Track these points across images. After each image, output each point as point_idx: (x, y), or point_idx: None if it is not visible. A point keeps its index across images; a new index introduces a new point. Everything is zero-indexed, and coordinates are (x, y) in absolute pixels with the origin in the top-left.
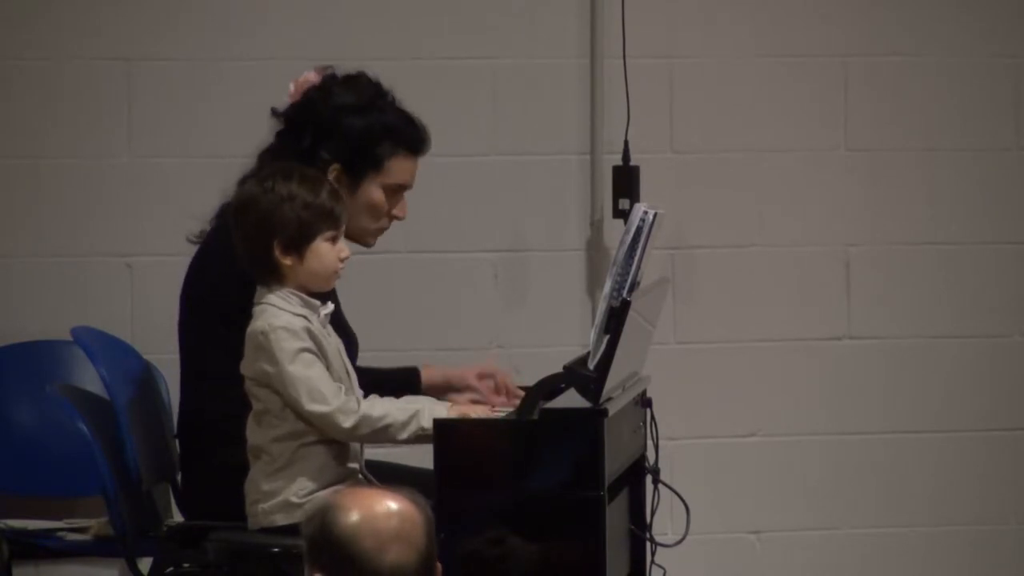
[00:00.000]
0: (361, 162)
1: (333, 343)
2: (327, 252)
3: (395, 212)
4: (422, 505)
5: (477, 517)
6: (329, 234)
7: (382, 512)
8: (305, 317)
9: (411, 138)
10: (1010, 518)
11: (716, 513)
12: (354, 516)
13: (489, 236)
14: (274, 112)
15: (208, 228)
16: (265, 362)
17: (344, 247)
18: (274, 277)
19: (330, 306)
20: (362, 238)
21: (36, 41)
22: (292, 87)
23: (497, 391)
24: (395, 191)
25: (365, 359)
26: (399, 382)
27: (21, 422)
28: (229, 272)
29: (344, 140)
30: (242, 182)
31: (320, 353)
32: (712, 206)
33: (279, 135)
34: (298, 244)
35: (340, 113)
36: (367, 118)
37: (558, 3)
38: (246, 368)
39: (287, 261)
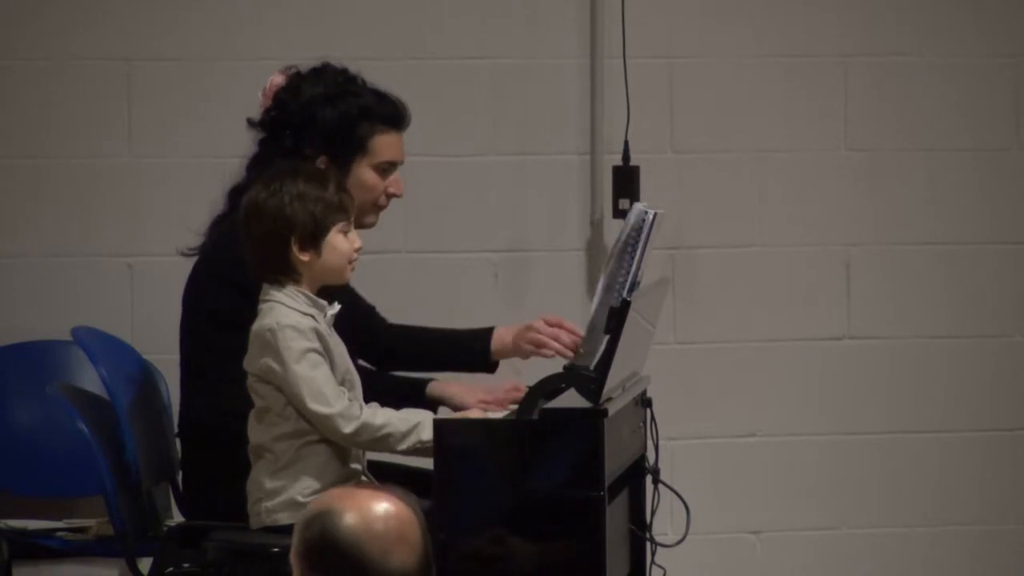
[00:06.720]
0: (345, 149)
1: (338, 344)
2: (342, 244)
3: (391, 190)
4: (413, 503)
5: (477, 517)
6: (342, 226)
7: (381, 515)
8: (312, 317)
9: (388, 114)
10: (1010, 518)
11: (716, 513)
12: (356, 521)
13: (489, 236)
14: (250, 122)
15: (203, 239)
16: (271, 359)
17: (356, 238)
18: (289, 277)
19: (336, 306)
20: (362, 220)
21: (36, 41)
22: (261, 95)
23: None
24: (386, 169)
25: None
26: (473, 347)
27: (21, 422)
28: (228, 276)
29: (322, 131)
30: (232, 192)
31: (326, 354)
32: (712, 206)
33: (261, 143)
34: (315, 239)
35: (312, 106)
36: (339, 105)
37: (558, 3)
38: (250, 364)
39: (305, 258)
